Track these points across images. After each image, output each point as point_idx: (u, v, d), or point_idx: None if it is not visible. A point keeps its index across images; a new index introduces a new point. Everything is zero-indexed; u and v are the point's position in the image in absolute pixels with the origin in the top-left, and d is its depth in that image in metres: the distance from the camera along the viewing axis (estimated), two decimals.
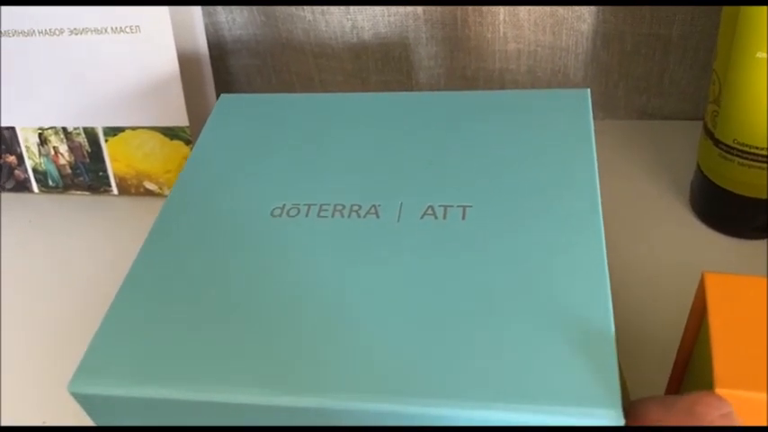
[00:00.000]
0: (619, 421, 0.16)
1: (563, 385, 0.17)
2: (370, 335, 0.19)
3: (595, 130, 0.26)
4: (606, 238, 0.21)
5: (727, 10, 0.28)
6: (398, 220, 0.22)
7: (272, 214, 0.23)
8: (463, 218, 0.22)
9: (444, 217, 0.22)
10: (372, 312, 0.19)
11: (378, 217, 0.22)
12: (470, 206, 0.22)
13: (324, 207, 0.23)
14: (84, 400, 0.19)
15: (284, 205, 0.23)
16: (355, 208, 0.22)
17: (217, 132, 0.27)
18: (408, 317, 0.19)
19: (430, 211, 0.22)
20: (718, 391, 0.18)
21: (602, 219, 0.21)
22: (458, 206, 0.22)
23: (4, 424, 0.27)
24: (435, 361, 0.18)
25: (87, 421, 0.27)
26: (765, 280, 0.20)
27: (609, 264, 0.20)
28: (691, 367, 0.22)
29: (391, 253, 0.21)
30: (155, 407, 0.19)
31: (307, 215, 0.22)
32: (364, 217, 0.22)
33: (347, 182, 0.24)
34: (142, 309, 0.21)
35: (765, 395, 0.18)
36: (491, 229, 0.21)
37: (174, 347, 0.19)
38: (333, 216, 0.22)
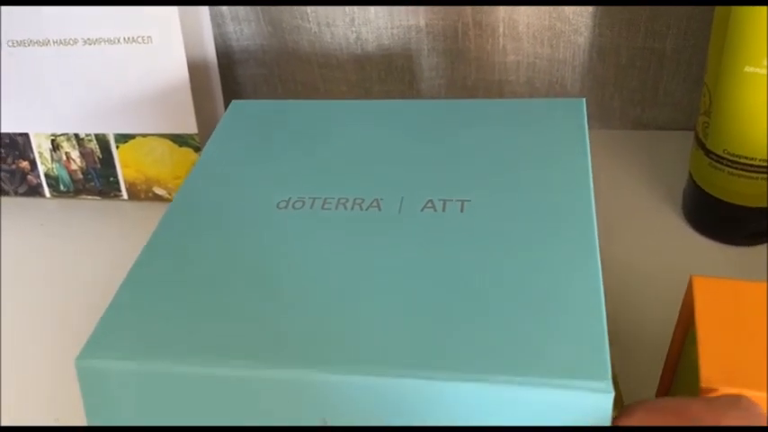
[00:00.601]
0: (609, 392, 0.17)
1: (554, 359, 0.18)
2: (370, 313, 0.20)
3: (591, 140, 0.27)
4: (601, 244, 0.21)
5: (716, 26, 0.29)
6: (399, 212, 0.23)
7: (277, 206, 0.24)
8: (461, 210, 0.23)
9: (443, 209, 0.23)
10: (373, 293, 0.20)
11: (380, 210, 0.23)
12: (469, 200, 0.23)
13: (328, 200, 0.24)
14: (90, 376, 0.20)
15: (290, 198, 0.24)
16: (358, 201, 0.23)
17: (227, 134, 0.28)
18: (407, 297, 0.20)
19: (430, 205, 0.23)
20: (704, 387, 0.19)
21: (594, 210, 0.22)
22: (457, 200, 0.23)
23: (17, 422, 0.28)
24: (432, 337, 0.19)
25: None
26: (750, 283, 0.21)
27: (603, 268, 0.21)
28: (681, 366, 0.23)
29: (391, 239, 0.22)
30: (158, 383, 0.19)
31: (311, 207, 0.23)
32: (367, 209, 0.23)
33: (351, 179, 0.25)
34: (152, 289, 0.21)
35: (748, 392, 0.19)
36: (488, 220, 0.22)
37: (183, 324, 0.20)
38: (336, 208, 0.23)
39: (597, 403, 0.17)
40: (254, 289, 0.21)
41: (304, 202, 0.24)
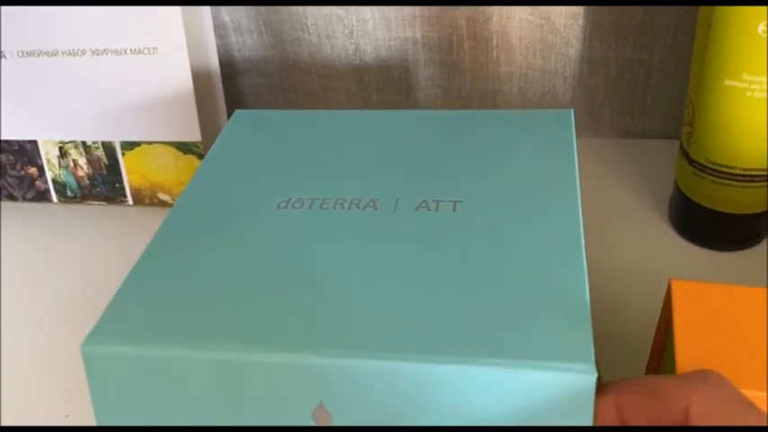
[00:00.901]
0: (592, 372, 0.18)
1: (540, 343, 0.19)
2: (364, 300, 0.21)
3: (582, 148, 0.28)
4: (589, 248, 0.23)
5: (698, 41, 0.30)
6: (395, 211, 0.24)
7: (278, 206, 0.25)
8: (454, 210, 0.24)
9: (437, 209, 0.24)
10: (367, 282, 0.21)
11: (375, 209, 0.24)
12: (461, 201, 0.24)
13: (326, 201, 0.25)
14: (95, 361, 0.20)
15: (290, 199, 0.25)
16: (355, 201, 0.25)
17: (230, 140, 0.30)
18: (399, 286, 0.21)
19: (424, 205, 0.24)
20: None
21: (579, 208, 0.23)
22: (449, 201, 0.24)
23: (29, 421, 0.29)
24: (423, 323, 0.20)
25: None
26: (728, 286, 0.23)
27: (590, 273, 0.22)
28: (661, 366, 0.25)
29: (386, 234, 0.23)
30: (163, 368, 0.20)
31: (310, 207, 0.25)
32: (363, 209, 0.24)
33: (349, 182, 0.26)
34: (156, 279, 0.22)
35: None
36: (479, 218, 0.24)
37: (186, 311, 0.21)
38: (334, 208, 0.25)
39: (581, 384, 0.18)
40: (255, 279, 0.22)
41: (303, 203, 0.25)
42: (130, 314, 0.21)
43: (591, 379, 0.18)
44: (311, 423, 0.20)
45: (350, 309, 0.21)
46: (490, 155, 0.27)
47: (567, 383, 0.18)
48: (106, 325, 0.21)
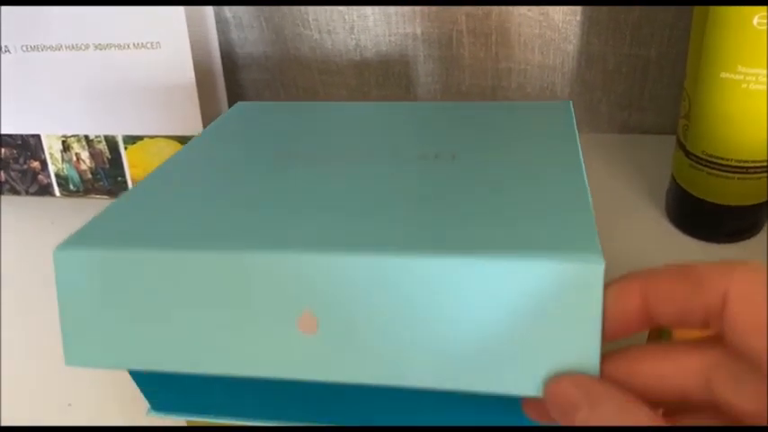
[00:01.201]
0: (600, 262, 0.17)
1: (545, 235, 0.18)
2: (359, 203, 0.21)
3: (580, 143, 0.28)
4: None
5: (694, 35, 0.31)
6: (394, 157, 0.25)
7: (274, 157, 0.25)
8: (453, 159, 0.24)
9: (435, 158, 0.24)
10: (364, 191, 0.21)
11: (373, 158, 0.25)
12: (459, 154, 0.25)
13: (324, 155, 0.25)
14: (65, 265, 0.20)
15: (287, 152, 0.26)
16: (354, 153, 0.25)
17: (230, 120, 0.30)
18: (399, 194, 0.21)
19: (422, 156, 0.25)
20: None
21: (581, 159, 0.23)
22: (449, 154, 0.25)
23: (30, 412, 0.30)
24: (423, 221, 0.19)
25: (108, 413, 0.29)
26: None
27: None
28: None
29: (385, 168, 0.23)
30: (139, 274, 0.19)
31: (308, 159, 0.25)
32: (361, 159, 0.25)
33: (347, 144, 0.27)
34: (138, 201, 0.22)
35: None
36: (478, 164, 0.24)
37: (163, 219, 0.21)
38: (331, 161, 0.25)
39: (589, 273, 0.17)
40: (242, 194, 0.22)
41: (301, 155, 0.25)
42: (106, 226, 0.21)
43: (599, 268, 0.17)
44: (299, 333, 0.19)
45: (342, 211, 0.20)
46: (490, 131, 0.27)
47: (574, 274, 0.17)
48: (79, 235, 0.21)
